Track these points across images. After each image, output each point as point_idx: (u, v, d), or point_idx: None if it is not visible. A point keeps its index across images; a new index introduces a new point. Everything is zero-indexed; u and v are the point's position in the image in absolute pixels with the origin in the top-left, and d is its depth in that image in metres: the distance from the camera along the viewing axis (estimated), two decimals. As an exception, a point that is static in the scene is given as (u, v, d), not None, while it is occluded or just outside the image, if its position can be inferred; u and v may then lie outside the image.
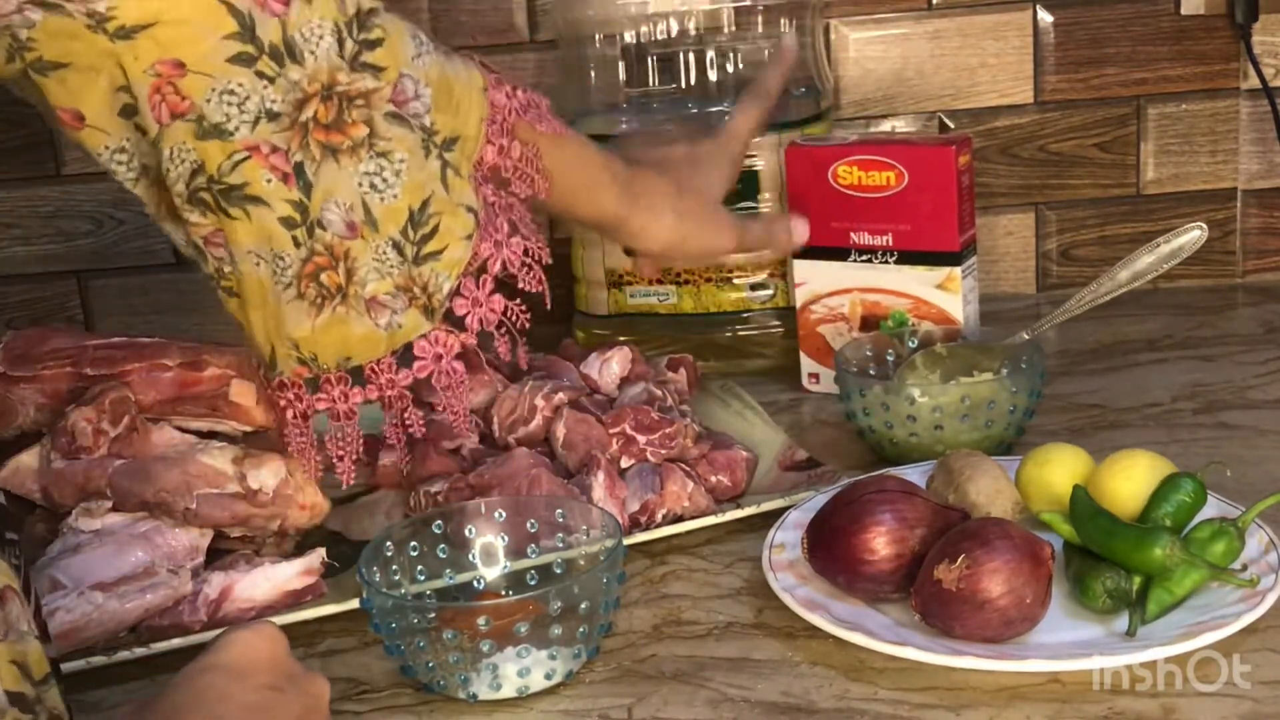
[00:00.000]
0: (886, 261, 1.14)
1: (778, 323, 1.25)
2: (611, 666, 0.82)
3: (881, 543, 0.82)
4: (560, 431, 1.03)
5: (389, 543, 0.86)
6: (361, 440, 0.84)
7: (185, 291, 1.40)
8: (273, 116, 0.74)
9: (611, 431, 1.01)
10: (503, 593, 0.87)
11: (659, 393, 1.06)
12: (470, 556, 0.88)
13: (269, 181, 0.75)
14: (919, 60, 1.39)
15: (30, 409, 0.98)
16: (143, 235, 1.42)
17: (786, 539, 0.90)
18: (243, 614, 0.89)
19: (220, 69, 0.73)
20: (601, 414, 1.03)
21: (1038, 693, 0.75)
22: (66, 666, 0.84)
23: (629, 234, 1.01)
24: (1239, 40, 1.36)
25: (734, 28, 1.24)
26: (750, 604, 0.88)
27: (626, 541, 0.87)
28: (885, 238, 1.14)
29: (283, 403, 0.82)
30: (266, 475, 0.93)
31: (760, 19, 1.23)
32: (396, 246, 0.78)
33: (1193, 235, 1.05)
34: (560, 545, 0.88)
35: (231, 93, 0.74)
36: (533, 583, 0.87)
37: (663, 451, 1.01)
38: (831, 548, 0.84)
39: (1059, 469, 0.90)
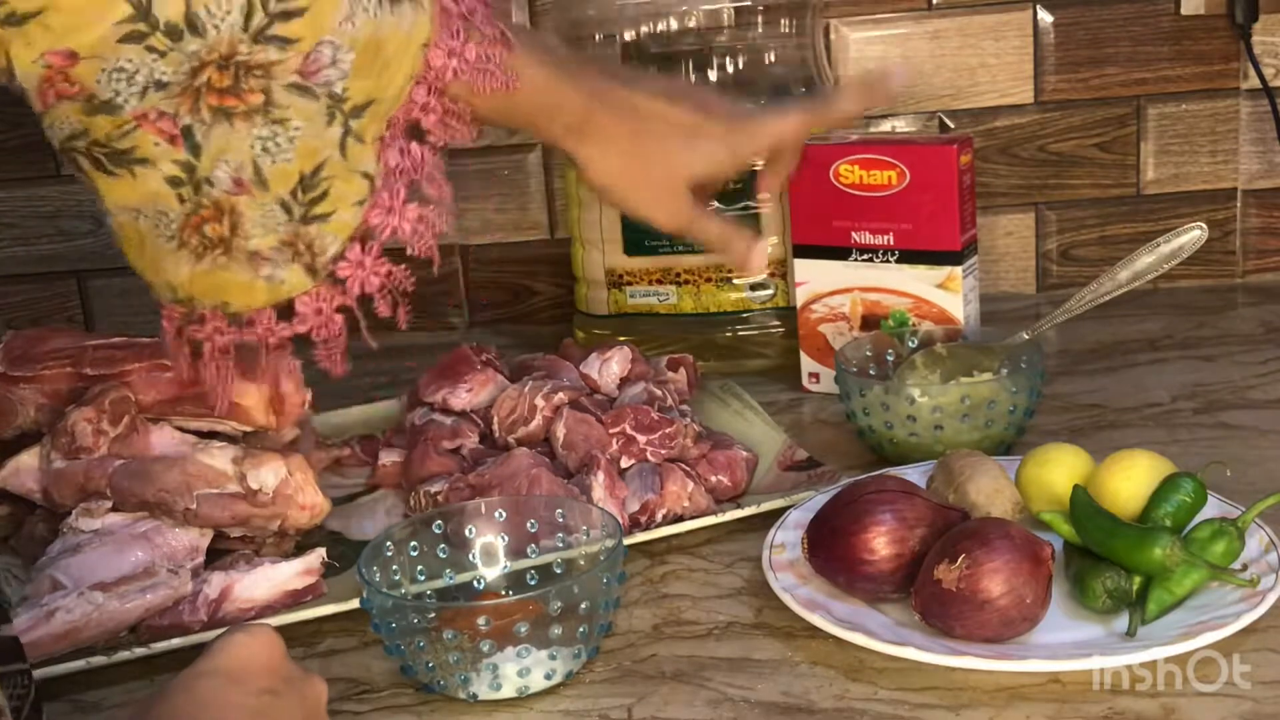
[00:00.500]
0: (887, 261, 1.14)
1: (778, 323, 1.25)
2: (611, 666, 0.82)
3: (881, 543, 0.82)
4: (560, 431, 1.03)
5: (389, 543, 0.85)
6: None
7: (185, 291, 1.40)
8: (161, 86, 0.73)
9: (611, 431, 1.01)
10: (503, 593, 0.87)
11: (659, 393, 1.06)
12: (470, 556, 0.88)
13: (156, 145, 0.74)
14: (919, 60, 1.39)
15: (30, 409, 0.99)
16: (143, 235, 1.42)
17: (786, 539, 0.90)
18: (243, 614, 0.89)
19: (111, 49, 0.71)
20: (601, 414, 1.03)
21: (1038, 693, 0.75)
22: (67, 666, 0.84)
23: (579, 165, 0.95)
24: (1239, 40, 1.36)
25: (734, 27, 1.24)
26: (750, 604, 0.88)
27: (626, 541, 0.87)
28: (886, 237, 1.14)
29: (201, 335, 0.80)
30: (266, 475, 0.93)
31: (760, 19, 1.23)
32: (284, 206, 0.77)
33: (1193, 235, 1.05)
34: (560, 545, 0.88)
35: (121, 69, 0.72)
36: (533, 583, 0.87)
37: (663, 451, 1.01)
38: (831, 548, 0.83)
39: (1059, 469, 0.90)
